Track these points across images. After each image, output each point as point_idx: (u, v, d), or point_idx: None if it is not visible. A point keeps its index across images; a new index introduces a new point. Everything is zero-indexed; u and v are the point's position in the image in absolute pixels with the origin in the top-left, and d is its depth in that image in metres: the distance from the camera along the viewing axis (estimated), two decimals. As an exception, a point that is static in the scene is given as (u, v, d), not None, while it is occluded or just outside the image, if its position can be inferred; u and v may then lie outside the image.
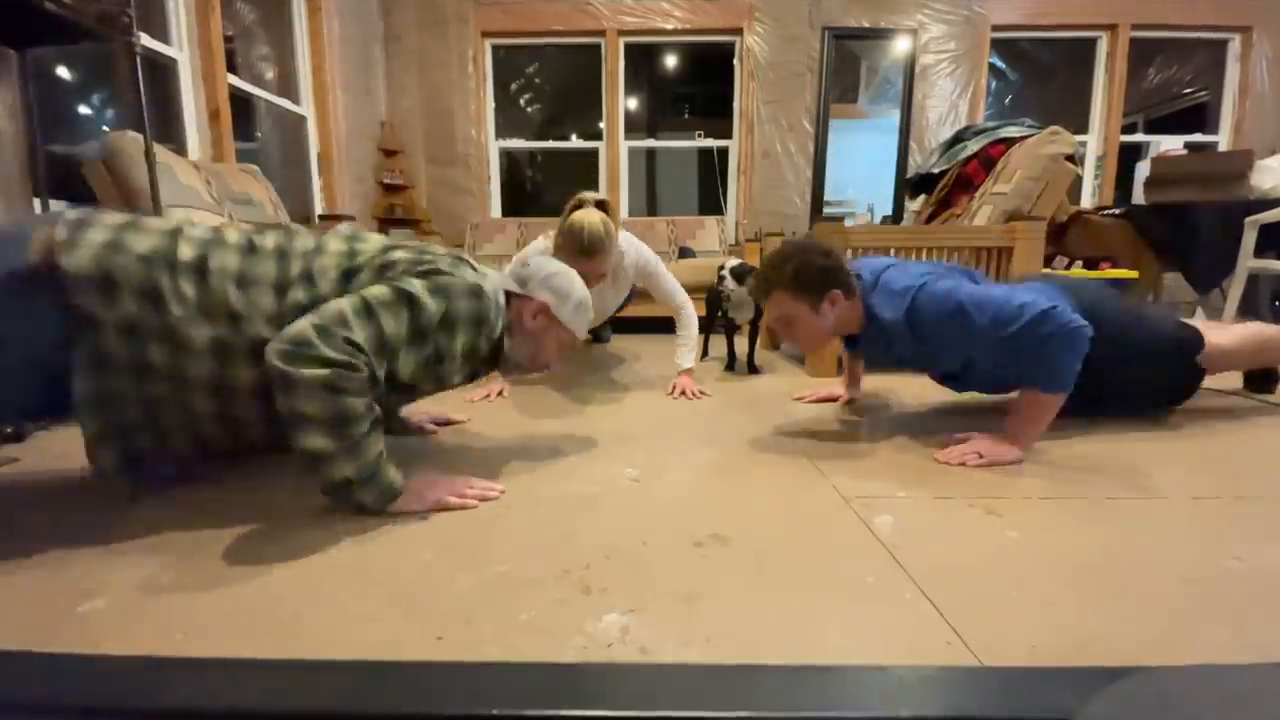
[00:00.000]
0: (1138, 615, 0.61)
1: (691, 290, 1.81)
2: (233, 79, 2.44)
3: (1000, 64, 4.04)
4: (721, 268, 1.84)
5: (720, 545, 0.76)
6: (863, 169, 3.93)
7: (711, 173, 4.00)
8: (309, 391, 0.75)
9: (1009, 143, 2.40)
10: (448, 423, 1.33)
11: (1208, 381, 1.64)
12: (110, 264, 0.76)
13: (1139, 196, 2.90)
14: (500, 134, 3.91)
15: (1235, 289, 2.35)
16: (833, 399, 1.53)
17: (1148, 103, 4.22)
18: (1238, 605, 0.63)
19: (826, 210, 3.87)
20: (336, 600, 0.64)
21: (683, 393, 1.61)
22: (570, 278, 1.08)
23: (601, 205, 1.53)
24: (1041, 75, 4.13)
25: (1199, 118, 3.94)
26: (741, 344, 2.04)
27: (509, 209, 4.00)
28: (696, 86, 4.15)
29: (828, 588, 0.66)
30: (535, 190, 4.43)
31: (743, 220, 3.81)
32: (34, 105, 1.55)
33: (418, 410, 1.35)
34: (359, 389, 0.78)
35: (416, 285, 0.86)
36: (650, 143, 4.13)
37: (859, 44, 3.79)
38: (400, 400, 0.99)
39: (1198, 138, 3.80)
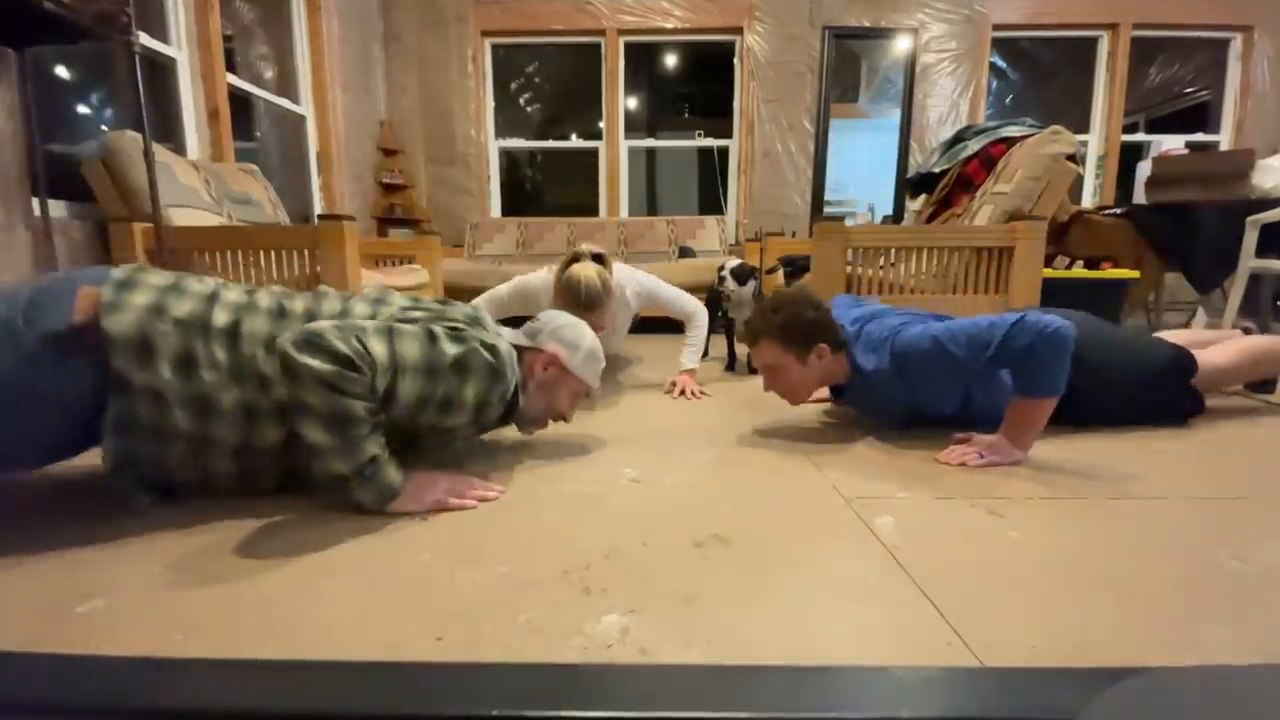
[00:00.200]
0: (1139, 616, 0.61)
1: (691, 291, 1.81)
2: (232, 78, 2.44)
3: (1001, 63, 4.03)
4: (722, 268, 1.84)
5: (720, 546, 0.76)
6: (863, 168, 3.93)
7: (712, 172, 4.00)
8: (311, 383, 0.75)
9: (1010, 142, 2.39)
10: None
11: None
12: (151, 330, 0.78)
13: (1140, 196, 2.89)
14: (500, 133, 3.90)
15: (1236, 289, 2.34)
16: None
17: (1149, 102, 4.21)
18: (1239, 605, 0.63)
19: (827, 210, 3.87)
20: (335, 600, 0.64)
21: (683, 392, 1.61)
22: (580, 329, 1.10)
23: (598, 258, 1.57)
24: (1042, 74, 4.13)
25: (1200, 117, 3.94)
26: (742, 344, 2.04)
27: (509, 209, 4.00)
28: (696, 86, 4.15)
29: (828, 588, 0.66)
30: (535, 190, 4.43)
31: (743, 220, 3.81)
32: (33, 105, 1.55)
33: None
34: (361, 392, 0.78)
35: (437, 328, 0.88)
36: (650, 142, 4.12)
37: (859, 43, 3.79)
38: (401, 447, 0.96)
39: (1199, 137, 3.79)
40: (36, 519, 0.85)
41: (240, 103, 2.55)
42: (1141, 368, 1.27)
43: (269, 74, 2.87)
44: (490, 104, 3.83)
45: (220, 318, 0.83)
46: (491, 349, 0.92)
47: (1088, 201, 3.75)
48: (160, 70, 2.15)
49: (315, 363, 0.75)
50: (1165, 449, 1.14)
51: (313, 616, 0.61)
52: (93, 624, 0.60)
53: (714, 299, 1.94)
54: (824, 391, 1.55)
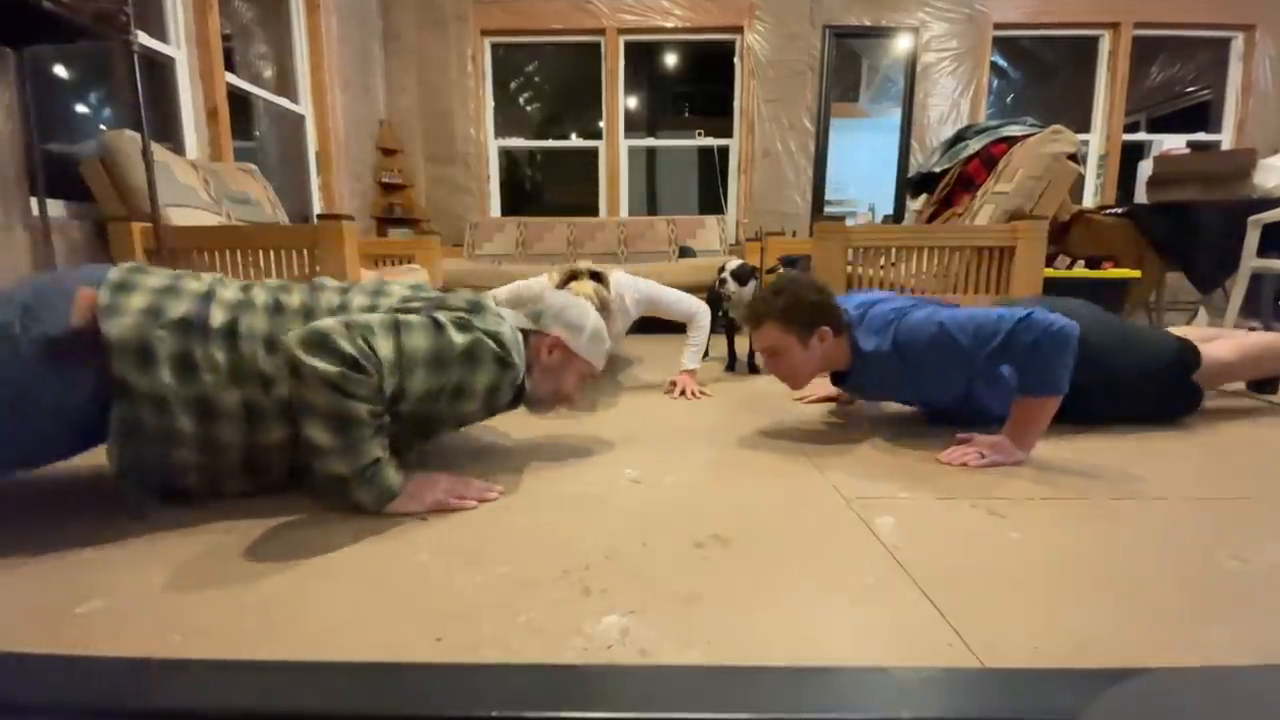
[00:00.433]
0: (1140, 616, 0.61)
1: (691, 291, 1.81)
2: (231, 78, 2.43)
3: (1002, 62, 4.03)
4: (722, 269, 1.84)
5: (721, 546, 0.76)
6: (864, 168, 3.93)
7: (712, 172, 3.99)
8: (316, 384, 0.75)
9: (1011, 141, 2.39)
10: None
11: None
12: (149, 334, 0.77)
13: (1141, 196, 2.89)
14: (499, 133, 3.90)
15: (1238, 289, 2.34)
16: (833, 399, 1.52)
17: (1150, 101, 4.21)
18: (1240, 606, 0.62)
19: (827, 209, 3.86)
20: (335, 601, 0.64)
21: (683, 392, 1.61)
22: (583, 310, 1.10)
23: (595, 276, 1.60)
24: (1043, 74, 4.13)
25: (1202, 116, 3.93)
26: (742, 344, 2.04)
27: (508, 208, 4.00)
28: (696, 85, 4.15)
29: (829, 589, 0.66)
30: (535, 189, 4.43)
31: (743, 219, 3.81)
32: (31, 104, 1.55)
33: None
34: (366, 394, 0.78)
35: (443, 317, 0.87)
36: (650, 141, 4.12)
37: (860, 42, 3.78)
38: (418, 438, 0.97)
39: (1200, 137, 3.79)
40: (37, 519, 0.85)
41: (239, 102, 2.54)
42: (1145, 357, 1.26)
43: (268, 73, 2.86)
44: (490, 103, 3.82)
45: (217, 317, 0.82)
46: (496, 336, 0.91)
47: (1089, 201, 3.75)
48: (159, 69, 2.14)
49: (321, 364, 0.74)
50: (1166, 449, 1.14)
51: (312, 617, 0.61)
52: (92, 625, 0.60)
53: (714, 299, 1.94)
54: (827, 389, 1.55)
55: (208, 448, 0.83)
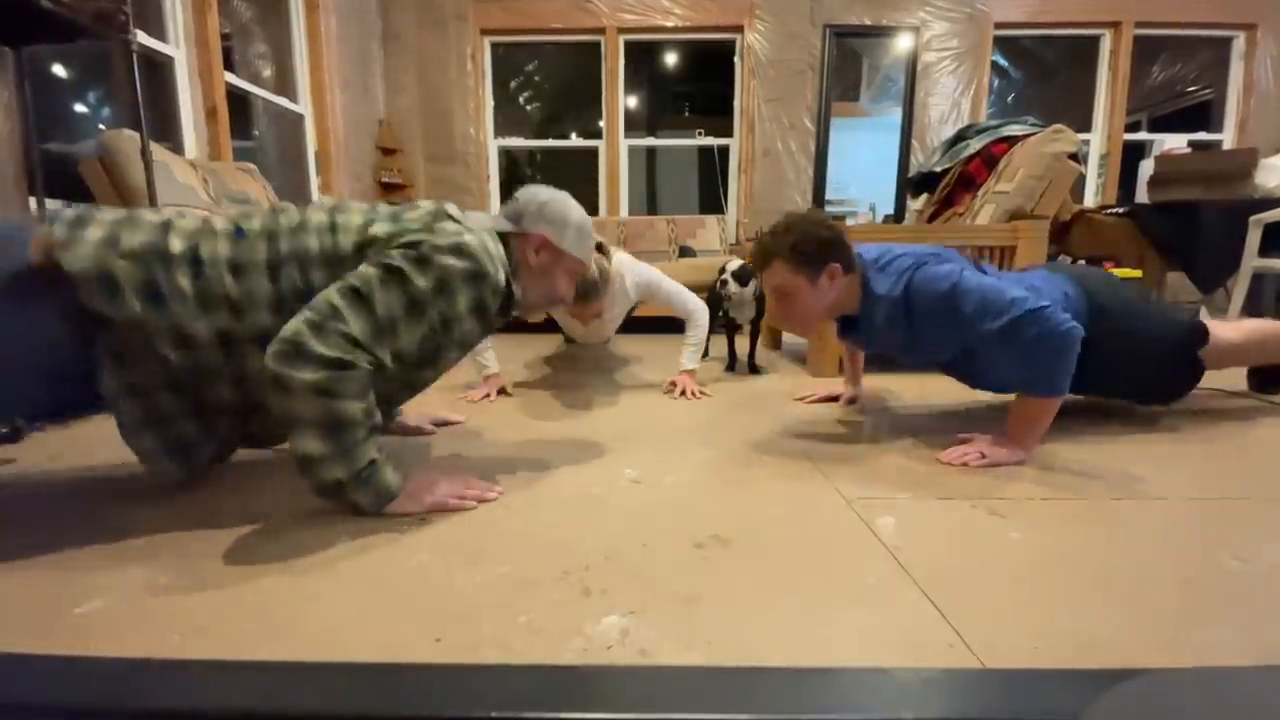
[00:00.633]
0: (1140, 617, 0.61)
1: (691, 290, 1.80)
2: (230, 77, 2.43)
3: (1003, 62, 4.02)
4: (723, 270, 1.84)
5: (721, 547, 0.76)
6: (864, 167, 3.92)
7: (712, 171, 3.99)
8: (303, 395, 0.74)
9: (1011, 141, 2.39)
10: (446, 423, 1.33)
11: (1214, 381, 1.64)
12: (109, 263, 0.76)
13: (1142, 195, 2.89)
14: (499, 132, 3.90)
15: (1239, 289, 2.34)
16: (834, 399, 1.52)
17: (1151, 101, 4.21)
18: (1240, 606, 0.62)
19: (828, 209, 3.86)
20: (334, 602, 0.63)
21: (683, 392, 1.60)
22: (564, 201, 1.03)
23: (596, 246, 1.56)
24: (1044, 73, 4.12)
25: (1203, 116, 3.93)
26: (742, 344, 2.04)
27: (509, 207, 4.00)
28: (697, 84, 4.14)
29: (829, 589, 0.66)
30: (535, 189, 4.42)
31: (743, 219, 3.81)
32: (30, 104, 1.54)
33: (416, 411, 1.35)
34: (356, 391, 0.77)
35: (399, 259, 0.82)
36: (650, 141, 4.12)
37: (860, 41, 3.78)
38: (430, 374, 0.94)
39: (1202, 136, 3.79)
40: (36, 519, 0.85)
41: (238, 101, 2.54)
42: (1156, 325, 1.25)
43: (267, 72, 2.86)
44: (490, 103, 3.82)
45: (176, 245, 0.79)
46: (459, 250, 0.85)
47: (1090, 201, 3.75)
48: (158, 69, 2.14)
49: (304, 374, 0.73)
50: (1166, 449, 1.14)
51: (311, 618, 0.61)
52: (91, 625, 0.60)
53: (714, 299, 1.94)
54: (827, 389, 1.55)
55: (196, 376, 0.81)
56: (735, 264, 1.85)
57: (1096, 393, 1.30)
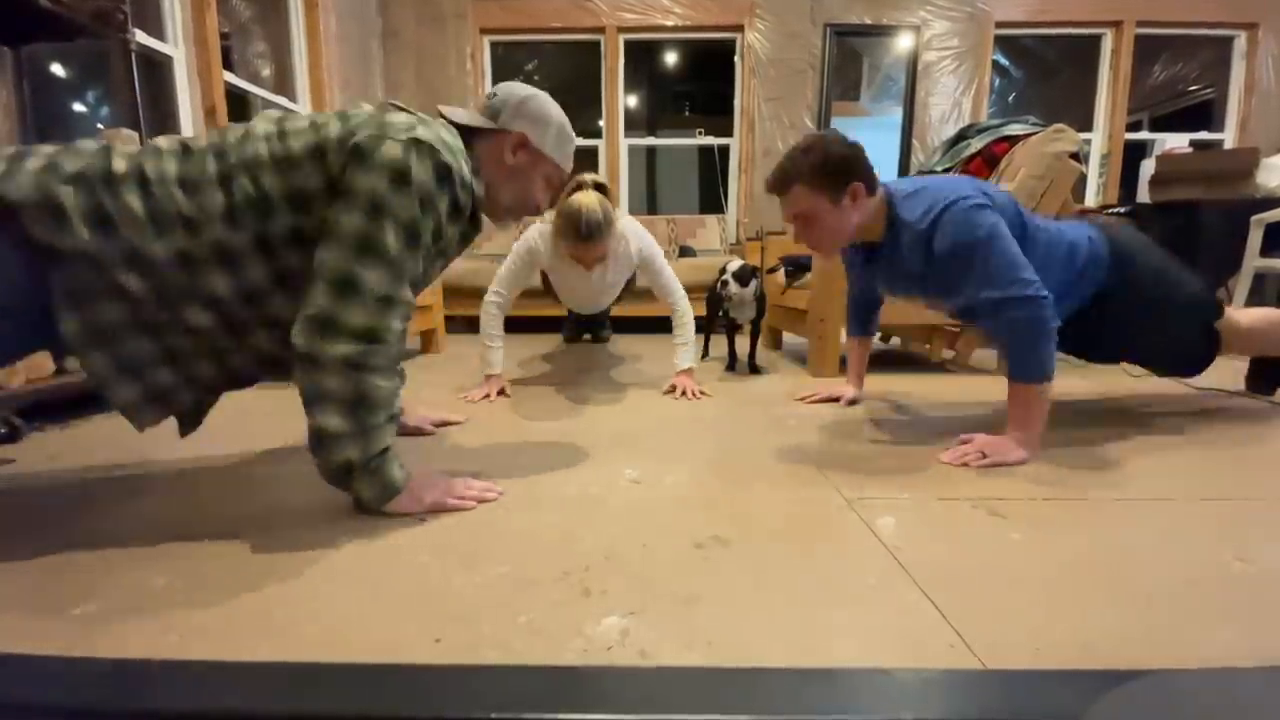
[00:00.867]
0: (1143, 617, 0.60)
1: (691, 290, 1.80)
2: (229, 76, 2.43)
3: (1004, 61, 4.02)
4: (723, 270, 1.84)
5: (721, 547, 0.75)
6: (864, 167, 3.91)
7: (712, 171, 3.99)
8: (333, 369, 0.73)
9: (1012, 140, 2.38)
10: (445, 423, 1.33)
11: (1214, 380, 1.64)
12: (51, 188, 0.72)
13: (1144, 195, 2.89)
14: (500, 131, 3.90)
15: (1241, 288, 2.34)
16: (834, 399, 1.52)
17: (1152, 100, 4.20)
18: (1244, 607, 0.62)
19: (828, 208, 3.85)
20: (333, 602, 0.63)
21: (683, 393, 1.60)
22: (545, 100, 0.98)
23: (600, 187, 1.53)
24: (1045, 72, 4.12)
25: (1204, 115, 3.93)
26: (743, 344, 2.04)
27: (509, 207, 4.00)
28: (697, 84, 4.14)
29: (830, 590, 0.65)
30: (535, 188, 4.42)
31: (744, 219, 3.80)
32: (29, 103, 1.54)
33: (416, 411, 1.35)
34: (386, 365, 0.77)
35: (377, 185, 0.77)
36: (650, 140, 4.11)
37: (861, 41, 3.78)
38: (418, 291, 0.91)
39: (1203, 135, 3.78)
40: (35, 519, 0.85)
41: (237, 101, 2.54)
42: (1177, 289, 1.24)
43: (266, 72, 2.86)
44: (490, 102, 3.82)
45: (119, 165, 0.76)
46: (417, 146, 0.78)
47: (1091, 200, 3.74)
48: (157, 68, 2.14)
49: (337, 347, 0.73)
50: (1168, 449, 1.14)
51: (312, 617, 0.61)
52: (89, 625, 0.60)
53: (715, 299, 1.93)
54: (828, 389, 1.55)
55: (165, 305, 0.76)
56: (735, 264, 1.85)
57: (1114, 352, 1.27)
